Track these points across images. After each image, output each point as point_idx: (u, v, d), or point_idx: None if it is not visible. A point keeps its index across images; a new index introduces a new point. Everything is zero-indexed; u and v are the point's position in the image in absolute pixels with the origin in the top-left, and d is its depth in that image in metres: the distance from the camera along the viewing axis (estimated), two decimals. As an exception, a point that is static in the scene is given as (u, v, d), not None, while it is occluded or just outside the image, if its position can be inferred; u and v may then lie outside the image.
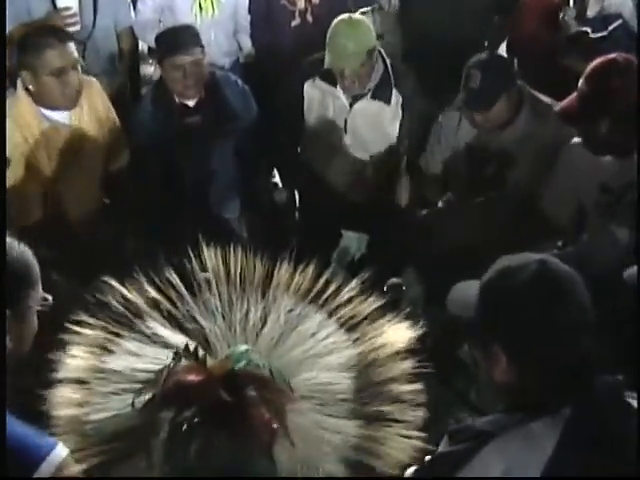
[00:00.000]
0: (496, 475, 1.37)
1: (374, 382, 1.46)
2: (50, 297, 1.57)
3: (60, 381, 1.46)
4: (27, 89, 2.84)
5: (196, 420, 1.26)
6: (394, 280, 2.86)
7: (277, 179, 4.05)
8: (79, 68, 2.87)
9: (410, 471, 1.54)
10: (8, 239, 1.52)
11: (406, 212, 3.40)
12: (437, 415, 1.53)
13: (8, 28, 3.57)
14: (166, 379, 1.31)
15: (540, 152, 2.91)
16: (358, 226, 3.80)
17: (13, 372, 1.52)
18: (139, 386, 1.36)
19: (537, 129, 2.95)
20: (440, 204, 3.31)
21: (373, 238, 3.78)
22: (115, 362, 1.43)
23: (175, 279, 1.49)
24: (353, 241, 4.05)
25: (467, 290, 1.53)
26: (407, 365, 1.47)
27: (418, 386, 1.46)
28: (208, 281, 1.49)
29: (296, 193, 3.90)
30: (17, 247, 1.52)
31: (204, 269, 1.49)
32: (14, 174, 2.81)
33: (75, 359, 1.46)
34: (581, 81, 2.49)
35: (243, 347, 1.39)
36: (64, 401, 1.44)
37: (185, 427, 1.26)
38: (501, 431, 1.39)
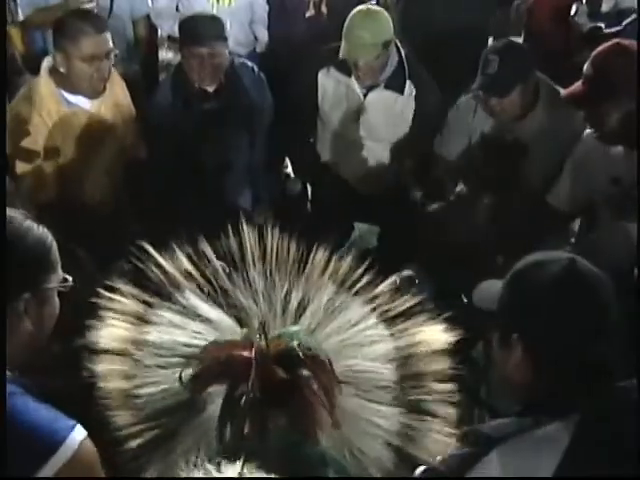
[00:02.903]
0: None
1: (413, 375, 1.46)
2: (70, 278, 1.55)
3: (103, 351, 1.45)
4: (53, 71, 2.86)
5: (252, 395, 1.25)
6: (406, 273, 2.86)
7: (289, 170, 4.06)
8: (112, 57, 2.89)
9: (419, 471, 1.55)
10: (27, 222, 1.50)
11: (418, 205, 3.40)
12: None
13: (24, 14, 3.61)
14: (215, 354, 1.30)
15: (555, 144, 2.90)
16: (370, 218, 3.81)
17: (34, 354, 1.53)
18: (184, 360, 1.35)
19: (553, 121, 2.94)
20: (452, 197, 3.30)
21: (385, 230, 3.78)
22: (157, 334, 1.42)
23: (211, 255, 1.48)
24: (365, 233, 4.06)
25: (495, 286, 1.55)
26: (443, 365, 1.47)
27: (452, 386, 1.46)
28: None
29: (308, 184, 3.90)
30: (36, 229, 1.51)
31: (241, 247, 1.47)
32: (34, 151, 2.84)
33: (114, 328, 1.45)
34: (586, 65, 2.51)
35: (295, 327, 1.39)
36: (111, 373, 1.44)
37: (243, 402, 1.24)
38: (509, 436, 1.39)
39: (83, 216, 2.86)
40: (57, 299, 1.54)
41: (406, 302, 1.50)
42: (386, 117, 3.35)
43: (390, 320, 1.49)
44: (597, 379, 1.41)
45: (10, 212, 1.51)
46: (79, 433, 1.39)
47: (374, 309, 1.49)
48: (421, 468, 1.53)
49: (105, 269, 1.69)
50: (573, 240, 3.00)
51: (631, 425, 1.36)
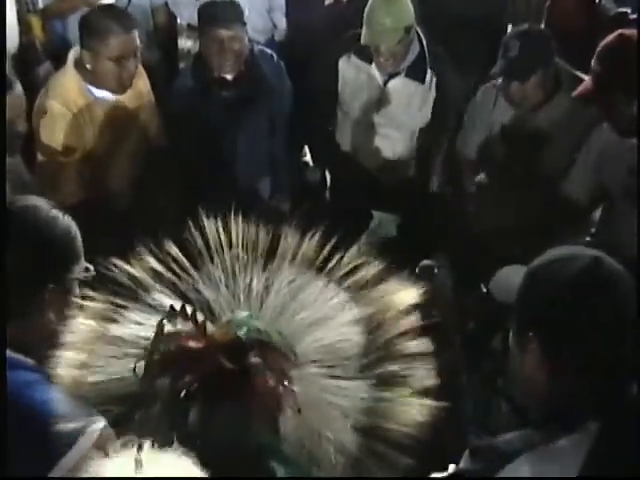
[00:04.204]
0: None
1: (381, 339, 1.45)
2: (92, 267, 1.57)
3: (67, 343, 1.46)
4: (79, 64, 2.84)
5: (194, 387, 1.25)
6: (426, 262, 2.85)
7: (308, 158, 4.05)
8: (138, 56, 2.88)
9: None
10: (53, 211, 1.51)
11: (437, 194, 3.39)
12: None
13: (44, 2, 3.61)
14: (165, 345, 1.30)
15: (576, 133, 2.88)
16: (389, 207, 3.80)
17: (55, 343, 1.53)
18: (141, 352, 1.36)
19: (575, 109, 2.90)
20: (471, 186, 3.28)
21: (404, 219, 3.77)
22: (119, 330, 1.44)
23: (176, 251, 1.49)
24: (384, 222, 4.04)
25: (512, 275, 1.52)
26: (412, 319, 1.47)
27: (425, 341, 1.46)
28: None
29: (327, 172, 3.89)
30: (62, 219, 1.52)
31: (205, 240, 1.48)
32: (53, 147, 2.84)
33: (81, 325, 1.47)
34: (593, 61, 2.50)
35: (244, 313, 1.38)
36: (66, 362, 1.45)
37: (183, 394, 1.25)
38: (523, 451, 1.35)
39: (104, 207, 2.87)
40: (78, 290, 1.55)
41: (370, 270, 1.50)
42: (407, 106, 3.33)
43: (355, 288, 1.49)
44: (618, 383, 1.37)
45: (36, 201, 1.53)
46: (99, 422, 1.39)
47: (337, 281, 1.48)
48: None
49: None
50: (594, 230, 2.97)
51: None
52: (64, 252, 1.51)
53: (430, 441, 1.41)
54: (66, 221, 1.53)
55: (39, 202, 1.53)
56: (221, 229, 1.48)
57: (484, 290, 2.90)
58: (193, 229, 1.49)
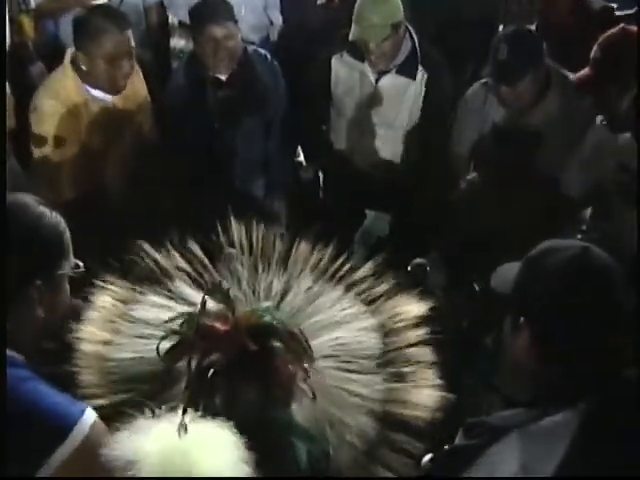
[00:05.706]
0: (511, 470, 1.36)
1: (393, 347, 1.51)
2: (82, 263, 1.58)
3: (88, 319, 1.51)
4: (75, 65, 2.85)
5: (221, 365, 1.31)
6: (418, 260, 2.87)
7: (302, 157, 4.05)
8: (132, 56, 2.87)
9: (426, 459, 1.57)
10: (40, 207, 1.52)
11: (430, 193, 3.39)
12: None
13: (36, 2, 3.61)
14: (193, 326, 1.34)
15: (567, 132, 2.90)
16: (382, 206, 3.80)
17: (44, 339, 1.56)
18: (164, 333, 1.39)
19: (565, 109, 2.93)
20: (463, 184, 3.29)
21: (396, 218, 3.78)
22: (142, 312, 1.49)
23: (198, 251, 1.55)
24: (377, 221, 4.05)
25: (513, 269, 1.55)
26: (421, 332, 1.52)
27: (430, 349, 1.52)
28: (233, 255, 1.55)
29: (320, 172, 3.90)
30: (49, 216, 1.52)
31: (230, 242, 1.55)
32: (43, 137, 2.84)
33: (104, 303, 1.53)
34: (594, 49, 2.54)
35: (267, 303, 1.44)
36: (90, 338, 1.50)
37: (211, 372, 1.30)
38: (516, 427, 1.39)
39: (96, 205, 2.88)
40: (67, 285, 1.56)
41: (383, 285, 1.56)
42: (398, 103, 3.34)
43: (369, 301, 1.55)
44: (606, 368, 1.41)
45: (24, 198, 1.53)
46: (90, 415, 1.41)
47: (351, 291, 1.56)
48: (427, 457, 1.56)
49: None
50: (585, 228, 2.99)
51: (637, 419, 1.35)
52: (51, 249, 1.51)
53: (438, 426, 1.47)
54: (54, 218, 1.53)
55: (27, 199, 1.53)
56: (244, 233, 1.55)
57: (477, 289, 2.92)
58: (221, 230, 1.55)
